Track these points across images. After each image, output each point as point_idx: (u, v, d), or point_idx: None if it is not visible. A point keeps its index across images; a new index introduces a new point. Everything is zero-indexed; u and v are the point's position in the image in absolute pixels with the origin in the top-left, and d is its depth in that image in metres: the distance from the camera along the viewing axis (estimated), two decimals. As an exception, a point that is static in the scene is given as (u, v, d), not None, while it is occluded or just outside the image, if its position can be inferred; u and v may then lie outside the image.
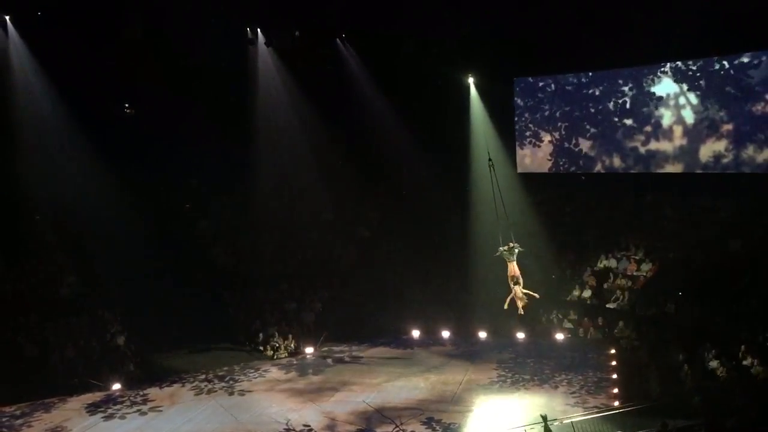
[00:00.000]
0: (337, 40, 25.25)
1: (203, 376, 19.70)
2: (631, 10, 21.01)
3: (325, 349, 22.16)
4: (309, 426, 16.04)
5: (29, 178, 22.94)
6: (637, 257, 23.07)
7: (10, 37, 21.74)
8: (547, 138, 26.42)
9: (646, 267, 22.61)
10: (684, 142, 23.09)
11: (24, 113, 22.49)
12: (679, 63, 22.87)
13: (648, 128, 23.88)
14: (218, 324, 23.04)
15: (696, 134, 22.79)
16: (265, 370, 20.29)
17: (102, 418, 16.98)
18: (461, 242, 24.62)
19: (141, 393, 18.48)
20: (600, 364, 19.59)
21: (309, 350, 21.80)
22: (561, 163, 26.29)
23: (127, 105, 26.46)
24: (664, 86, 23.32)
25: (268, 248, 26.88)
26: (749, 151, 21.64)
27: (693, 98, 22.70)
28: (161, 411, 17.33)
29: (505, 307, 14.87)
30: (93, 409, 17.51)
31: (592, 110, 25.26)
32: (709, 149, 22.51)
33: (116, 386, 18.65)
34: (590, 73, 25.08)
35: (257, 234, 27.14)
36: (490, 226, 15.56)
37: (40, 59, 22.10)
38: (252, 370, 20.27)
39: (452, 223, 26.10)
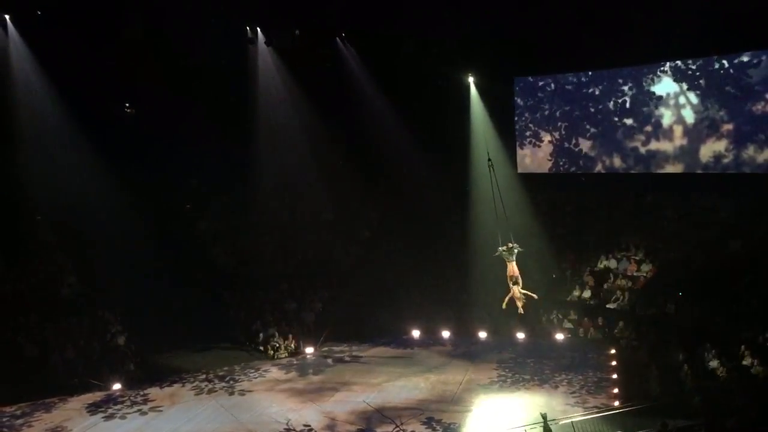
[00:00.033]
0: (337, 39, 25.26)
1: (204, 376, 19.71)
2: (631, 10, 21.00)
3: (326, 349, 22.18)
4: (309, 426, 16.05)
5: (29, 178, 22.96)
6: (637, 257, 23.07)
7: (10, 36, 21.73)
8: (547, 138, 26.43)
9: (646, 267, 22.61)
10: (684, 142, 23.10)
11: (24, 113, 22.49)
12: (679, 62, 22.88)
13: (648, 128, 23.89)
14: (218, 324, 23.05)
15: (696, 134, 22.80)
16: (265, 370, 20.30)
17: (102, 418, 16.99)
18: (461, 242, 24.64)
19: (141, 393, 18.50)
20: (600, 364, 19.61)
21: (309, 350, 21.81)
22: (561, 163, 26.30)
23: (127, 105, 26.46)
24: (664, 86, 23.33)
25: (268, 248, 26.90)
26: (749, 151, 21.65)
27: (693, 98, 22.70)
28: (161, 411, 17.35)
29: (504, 306, 14.87)
30: (93, 409, 17.53)
31: (592, 110, 25.26)
32: (709, 149, 22.52)
33: (116, 386, 18.66)
34: (590, 73, 25.09)
35: (257, 234, 27.17)
36: (490, 226, 15.56)
37: (40, 59, 22.09)
38: (252, 370, 20.29)
39: (452, 223, 26.13)
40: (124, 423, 16.69)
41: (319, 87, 25.53)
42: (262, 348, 21.81)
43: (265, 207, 27.26)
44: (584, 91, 25.34)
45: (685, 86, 22.90)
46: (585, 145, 25.57)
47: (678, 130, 23.18)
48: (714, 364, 16.76)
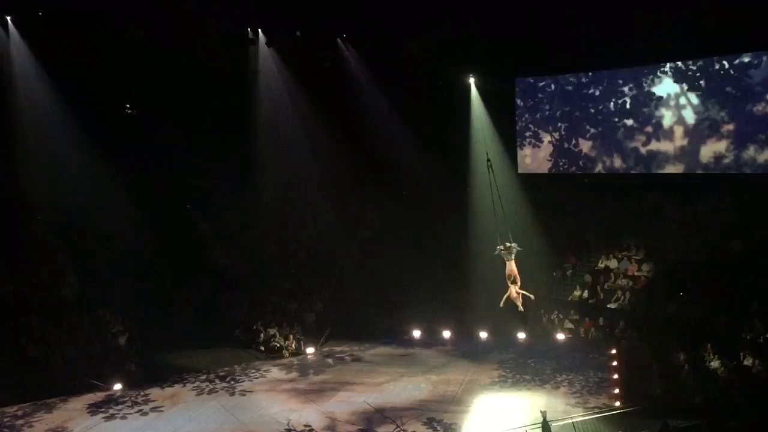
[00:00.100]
0: (338, 40, 25.24)
1: (204, 377, 19.74)
2: (631, 10, 20.99)
3: (326, 349, 22.22)
4: (310, 426, 16.09)
5: (30, 178, 22.98)
6: (638, 257, 23.06)
7: (11, 37, 21.73)
8: (547, 138, 26.42)
9: (647, 267, 22.61)
10: (685, 142, 23.08)
11: (25, 113, 22.49)
12: (679, 63, 22.86)
13: (649, 128, 23.87)
14: (219, 324, 23.10)
15: (697, 135, 22.77)
16: (266, 371, 20.33)
17: (103, 418, 17.02)
18: (462, 242, 24.65)
19: (142, 393, 18.53)
20: (601, 365, 19.64)
21: (310, 350, 21.84)
22: (561, 163, 26.29)
23: (128, 105, 26.48)
24: (665, 86, 23.31)
25: (269, 248, 26.91)
26: (750, 151, 21.63)
27: (694, 98, 22.68)
28: (162, 411, 17.39)
29: (501, 305, 14.88)
30: (94, 409, 17.56)
31: (592, 110, 25.24)
32: (709, 150, 22.49)
33: (117, 386, 18.70)
34: (590, 73, 25.08)
35: (258, 234, 27.16)
36: (490, 226, 15.59)
37: (41, 60, 22.09)
38: (253, 371, 20.32)
39: (453, 223, 26.11)
40: (125, 423, 16.73)
41: (320, 87, 25.55)
42: (263, 348, 21.83)
43: (266, 207, 27.26)
44: (584, 91, 25.33)
45: (685, 87, 22.89)
46: (585, 145, 25.55)
47: (678, 130, 23.16)
48: (715, 364, 16.77)
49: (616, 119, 24.60)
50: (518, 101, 26.92)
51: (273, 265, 26.17)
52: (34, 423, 16.74)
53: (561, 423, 15.06)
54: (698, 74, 22.53)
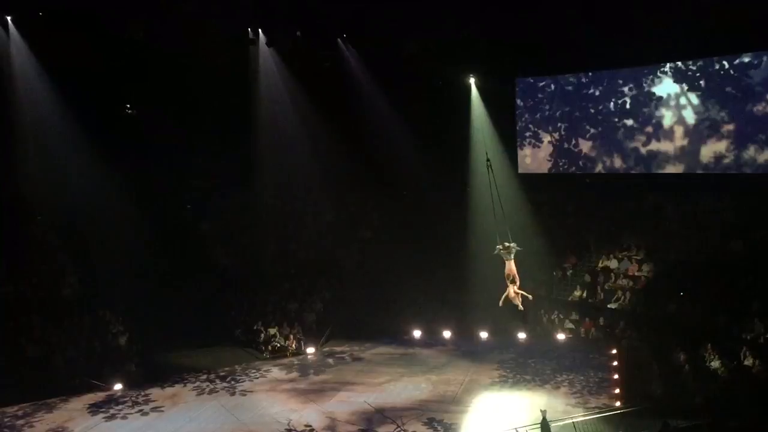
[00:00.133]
0: (339, 40, 25.23)
1: (205, 377, 19.76)
2: (631, 10, 20.98)
3: (327, 349, 22.23)
4: (310, 426, 16.11)
5: (31, 178, 22.98)
6: (638, 257, 23.07)
7: (11, 37, 21.72)
8: (546, 138, 26.42)
9: (647, 267, 22.61)
10: (685, 142, 23.08)
11: (25, 113, 22.49)
12: (679, 63, 22.86)
13: (649, 129, 23.87)
14: (220, 324, 23.12)
15: (697, 135, 22.77)
16: (266, 371, 20.34)
17: (104, 418, 17.04)
18: (462, 242, 24.64)
19: (143, 393, 18.55)
20: (601, 365, 19.66)
21: (310, 350, 21.85)
22: (561, 163, 26.29)
23: (128, 105, 26.48)
24: (665, 86, 23.31)
25: (269, 249, 26.91)
26: (750, 151, 21.62)
27: (694, 98, 22.68)
28: (163, 411, 17.41)
29: (500, 304, 14.87)
30: (95, 409, 17.58)
31: (592, 111, 25.25)
32: (710, 150, 22.48)
33: (118, 386, 18.71)
34: (590, 73, 25.08)
35: (259, 234, 27.16)
36: (490, 226, 15.60)
37: (42, 60, 22.08)
38: (253, 371, 20.34)
39: (453, 223, 26.10)
40: (126, 423, 16.75)
41: (320, 88, 25.55)
42: (263, 348, 21.83)
43: (267, 207, 27.27)
44: (584, 91, 25.33)
45: (685, 87, 22.89)
46: (585, 145, 25.55)
47: (679, 130, 23.16)
48: (715, 364, 16.79)
49: (616, 119, 24.60)
50: (518, 101, 26.92)
51: (273, 265, 26.17)
52: (34, 423, 16.76)
53: (561, 423, 15.08)
54: (698, 74, 22.54)
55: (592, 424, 15.33)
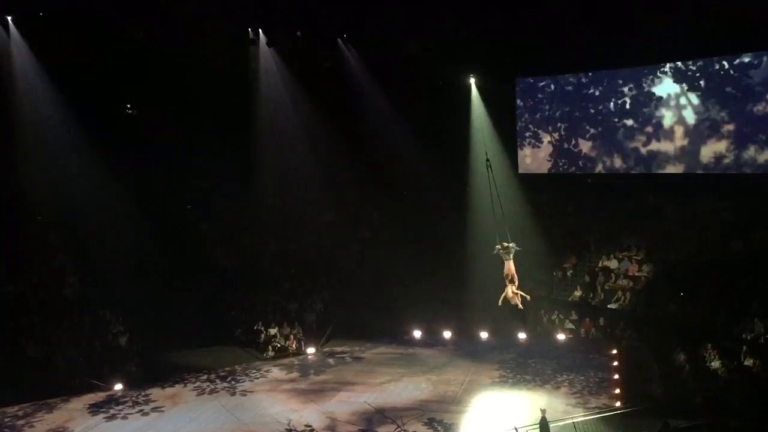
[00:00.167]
0: (339, 40, 25.25)
1: (205, 377, 19.74)
2: (631, 10, 20.99)
3: (327, 349, 22.22)
4: (310, 426, 16.09)
5: (31, 178, 22.98)
6: (638, 258, 23.08)
7: (11, 37, 21.73)
8: (546, 138, 26.43)
9: (647, 267, 22.62)
10: (685, 142, 23.09)
11: (26, 114, 22.50)
12: (679, 63, 22.87)
13: (649, 129, 23.88)
14: (220, 324, 23.11)
15: (697, 135, 22.79)
16: (266, 371, 20.33)
17: (104, 418, 17.01)
18: (462, 242, 24.64)
19: (143, 393, 18.53)
20: (601, 365, 19.64)
21: (311, 350, 21.85)
22: (561, 163, 26.30)
23: (128, 105, 26.49)
24: (665, 86, 23.32)
25: (269, 249, 26.92)
26: (750, 151, 21.64)
27: (694, 98, 22.69)
28: (163, 411, 17.39)
29: (500, 303, 14.87)
30: (95, 409, 17.55)
31: (592, 111, 25.26)
32: (710, 150, 22.50)
33: (118, 386, 18.69)
34: (590, 74, 25.08)
35: (259, 235, 27.17)
36: (490, 226, 15.60)
37: (42, 59, 22.10)
38: (254, 371, 20.33)
39: (453, 223, 26.12)
40: (126, 423, 16.72)
41: (321, 88, 25.56)
42: (263, 348, 21.82)
43: (267, 207, 27.27)
44: (584, 91, 25.34)
45: (685, 87, 22.90)
46: (585, 145, 25.56)
47: (679, 130, 23.17)
48: (715, 364, 16.79)
49: (616, 119, 24.61)
50: (518, 101, 26.92)
51: (273, 265, 26.18)
52: (35, 423, 16.74)
53: (561, 423, 15.07)
54: (698, 74, 22.55)
55: (593, 424, 15.32)
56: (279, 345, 21.71)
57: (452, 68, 25.37)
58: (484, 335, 22.30)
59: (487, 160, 15.32)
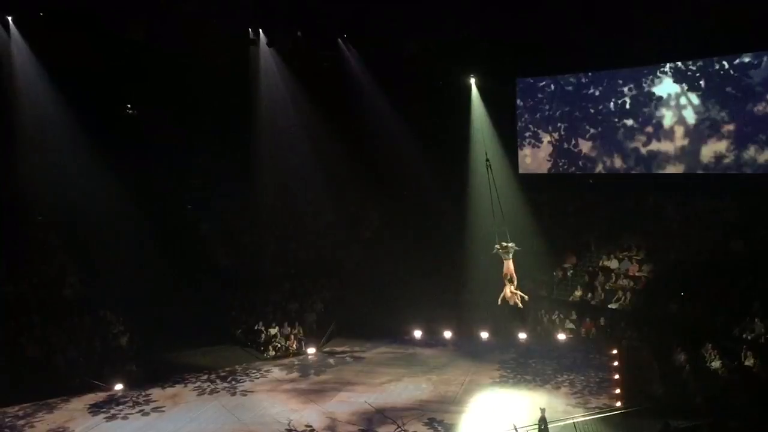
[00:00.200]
0: (339, 40, 25.25)
1: (206, 377, 19.73)
2: (631, 10, 21.01)
3: (327, 349, 22.21)
4: (311, 426, 16.08)
5: (31, 178, 22.95)
6: (639, 258, 23.08)
7: (12, 37, 21.72)
8: (546, 139, 26.44)
9: (647, 267, 22.62)
10: (685, 142, 23.11)
11: (26, 114, 22.50)
12: (679, 63, 22.89)
13: (649, 129, 23.91)
14: (220, 324, 23.12)
15: (697, 135, 22.81)
16: (267, 371, 20.32)
17: (105, 418, 16.99)
18: (462, 242, 24.64)
19: (143, 393, 18.51)
20: (602, 365, 19.64)
21: (311, 351, 21.85)
22: (560, 163, 26.32)
23: (128, 105, 26.49)
24: (665, 86, 23.36)
25: (270, 249, 26.91)
26: (750, 151, 21.67)
27: (694, 98, 22.71)
28: (164, 411, 17.36)
29: (499, 302, 14.88)
30: (96, 409, 17.54)
31: (592, 111, 25.28)
32: (710, 150, 22.53)
33: (119, 386, 18.67)
34: (590, 74, 25.10)
35: (259, 235, 27.16)
36: (491, 226, 15.62)
37: (42, 59, 22.09)
38: (254, 371, 20.31)
39: (453, 223, 26.13)
40: (127, 423, 16.71)
41: (321, 88, 25.57)
42: (263, 348, 21.82)
43: (267, 208, 27.26)
44: (584, 92, 25.37)
45: (685, 87, 22.91)
46: (585, 145, 25.59)
47: (679, 130, 23.20)
48: (716, 364, 16.79)
49: (616, 119, 24.64)
50: (518, 101, 26.94)
51: (273, 265, 26.16)
52: (35, 423, 16.72)
53: (562, 423, 15.08)
54: (698, 74, 22.58)
55: (593, 424, 15.32)
56: (279, 345, 21.71)
57: (452, 68, 25.40)
58: (484, 335, 22.29)
59: (487, 160, 15.33)
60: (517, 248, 14.51)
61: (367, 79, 25.73)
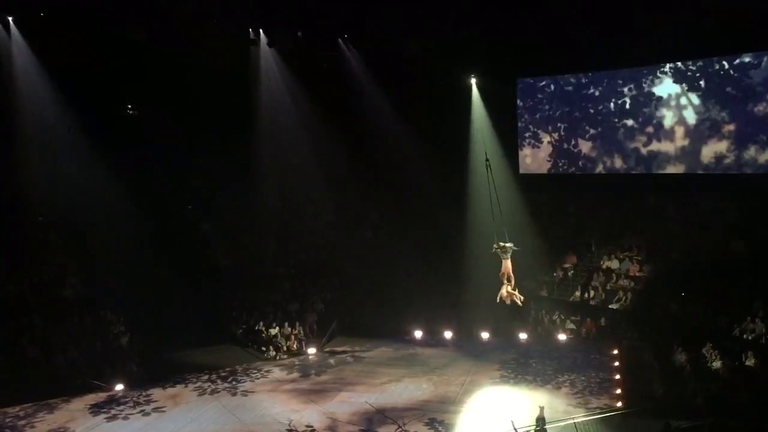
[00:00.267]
0: (339, 40, 25.25)
1: (206, 377, 19.71)
2: (631, 10, 21.01)
3: (328, 349, 22.21)
4: (311, 426, 16.09)
5: (32, 178, 22.92)
6: (639, 258, 23.09)
7: (12, 37, 21.70)
8: (546, 139, 26.45)
9: (648, 268, 22.63)
10: (685, 142, 23.13)
11: (26, 114, 22.46)
12: (679, 63, 22.90)
13: (649, 129, 23.92)
14: (220, 324, 23.11)
15: (697, 135, 22.83)
16: (267, 371, 20.31)
17: (105, 418, 16.98)
18: (462, 242, 24.63)
19: (144, 393, 18.49)
20: (602, 365, 19.66)
21: (312, 351, 21.84)
22: (560, 164, 26.33)
23: (128, 105, 26.47)
24: (665, 87, 23.39)
25: (270, 249, 26.90)
26: (751, 151, 21.69)
27: (694, 98, 22.73)
28: (164, 411, 17.35)
29: (498, 301, 14.87)
30: (96, 410, 17.52)
31: (592, 111, 25.29)
32: (710, 150, 22.55)
33: (119, 387, 18.65)
34: (590, 74, 25.11)
35: (259, 235, 27.15)
36: (491, 226, 15.62)
37: (42, 60, 22.06)
38: (255, 371, 20.30)
39: (454, 223, 26.11)
40: (127, 424, 16.69)
41: (321, 88, 25.57)
42: (264, 348, 21.81)
43: (267, 208, 27.24)
44: (584, 92, 25.38)
45: (685, 87, 22.93)
46: (585, 146, 25.60)
47: (679, 130, 23.22)
48: (717, 364, 16.82)
49: (616, 119, 24.66)
50: (518, 101, 26.95)
51: (273, 265, 26.16)
52: (36, 423, 16.71)
53: (563, 423, 15.09)
54: (698, 74, 22.60)
55: (594, 424, 15.34)
56: (280, 345, 21.70)
57: (452, 68, 25.38)
58: (485, 335, 22.30)
59: (487, 160, 15.35)
60: (515, 248, 14.52)
61: (367, 79, 25.72)
